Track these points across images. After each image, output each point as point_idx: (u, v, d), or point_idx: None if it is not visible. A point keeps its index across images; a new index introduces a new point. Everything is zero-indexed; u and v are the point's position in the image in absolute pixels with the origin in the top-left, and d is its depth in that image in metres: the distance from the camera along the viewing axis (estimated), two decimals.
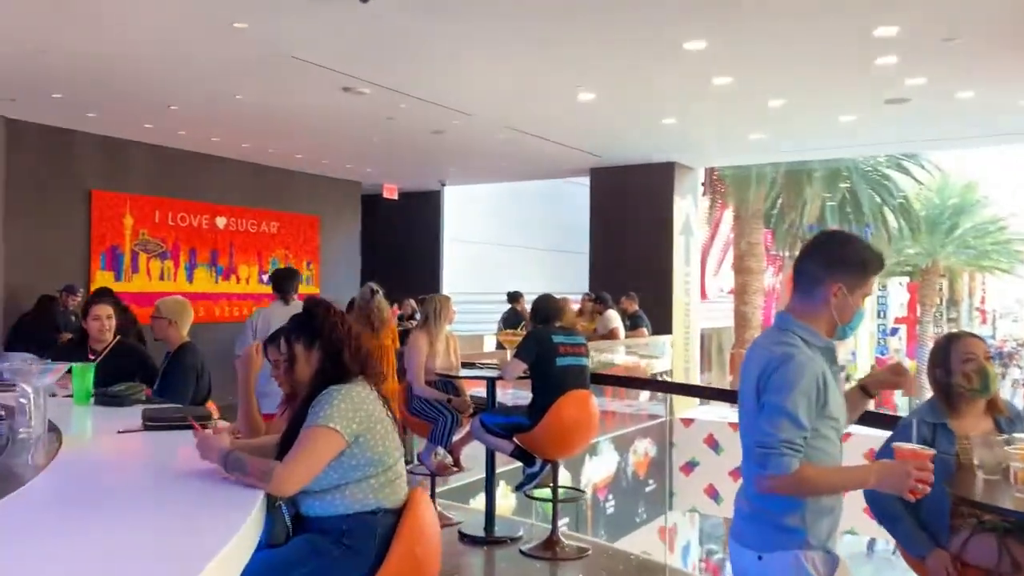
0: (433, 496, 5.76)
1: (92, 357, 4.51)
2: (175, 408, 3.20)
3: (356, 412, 2.21)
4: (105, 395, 3.57)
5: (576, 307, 9.80)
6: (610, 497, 9.22)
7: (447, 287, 14.02)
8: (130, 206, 9.41)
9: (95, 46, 5.94)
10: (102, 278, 9.12)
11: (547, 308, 5.12)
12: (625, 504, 9.42)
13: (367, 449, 2.23)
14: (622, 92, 7.35)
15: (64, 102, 7.50)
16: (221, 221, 10.46)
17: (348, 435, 2.18)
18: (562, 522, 5.56)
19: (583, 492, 5.49)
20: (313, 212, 11.79)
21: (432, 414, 5.44)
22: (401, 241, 13.83)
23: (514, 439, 5.03)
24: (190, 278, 10.08)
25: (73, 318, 7.70)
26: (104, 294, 5.07)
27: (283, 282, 6.00)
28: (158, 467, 2.48)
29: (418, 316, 11.94)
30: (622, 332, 9.90)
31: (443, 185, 12.71)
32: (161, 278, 9.77)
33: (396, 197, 13.14)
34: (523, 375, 5.06)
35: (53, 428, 2.96)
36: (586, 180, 11.77)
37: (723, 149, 10.46)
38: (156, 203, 9.69)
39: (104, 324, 4.49)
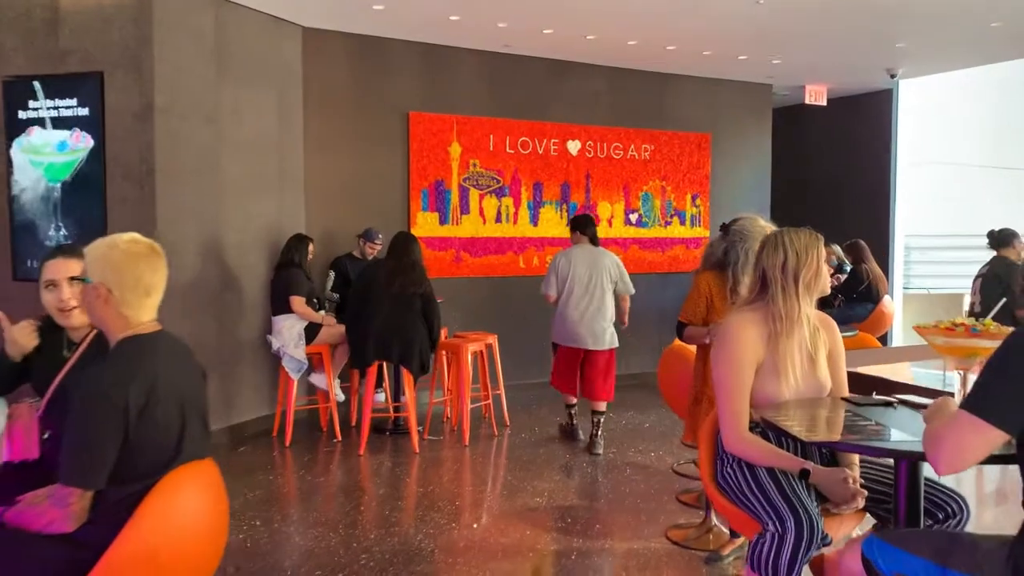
0: None
1: (66, 353, 2.48)
2: None
3: None
4: None
5: None
6: None
7: (903, 226, 9.98)
8: (457, 130, 7.59)
9: None
10: (424, 221, 7.48)
11: None
12: None
13: None
14: None
15: None
16: (574, 146, 8.16)
17: None
18: None
19: None
20: (702, 129, 8.85)
21: (754, 501, 2.40)
22: (832, 165, 10.18)
23: None
24: (534, 219, 8.00)
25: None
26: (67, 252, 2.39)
27: (587, 226, 6.02)
28: None
29: (845, 270, 8.38)
30: None
31: (894, 78, 8.72)
32: (498, 220, 7.84)
33: (824, 103, 9.55)
34: (1002, 450, 1.79)
35: None
36: None
37: None
38: (490, 125, 7.74)
39: (63, 296, 2.39)
